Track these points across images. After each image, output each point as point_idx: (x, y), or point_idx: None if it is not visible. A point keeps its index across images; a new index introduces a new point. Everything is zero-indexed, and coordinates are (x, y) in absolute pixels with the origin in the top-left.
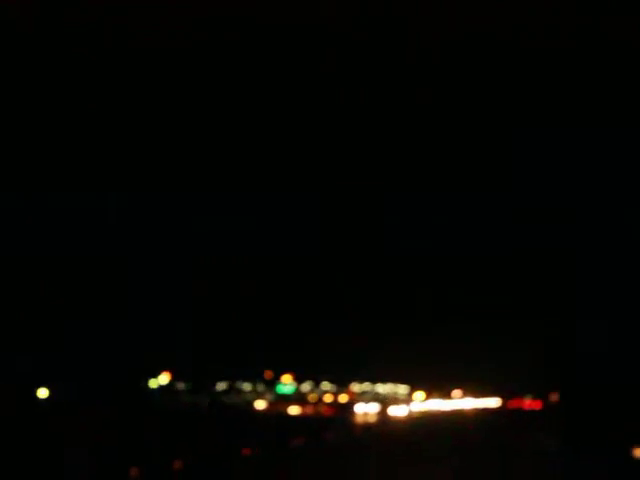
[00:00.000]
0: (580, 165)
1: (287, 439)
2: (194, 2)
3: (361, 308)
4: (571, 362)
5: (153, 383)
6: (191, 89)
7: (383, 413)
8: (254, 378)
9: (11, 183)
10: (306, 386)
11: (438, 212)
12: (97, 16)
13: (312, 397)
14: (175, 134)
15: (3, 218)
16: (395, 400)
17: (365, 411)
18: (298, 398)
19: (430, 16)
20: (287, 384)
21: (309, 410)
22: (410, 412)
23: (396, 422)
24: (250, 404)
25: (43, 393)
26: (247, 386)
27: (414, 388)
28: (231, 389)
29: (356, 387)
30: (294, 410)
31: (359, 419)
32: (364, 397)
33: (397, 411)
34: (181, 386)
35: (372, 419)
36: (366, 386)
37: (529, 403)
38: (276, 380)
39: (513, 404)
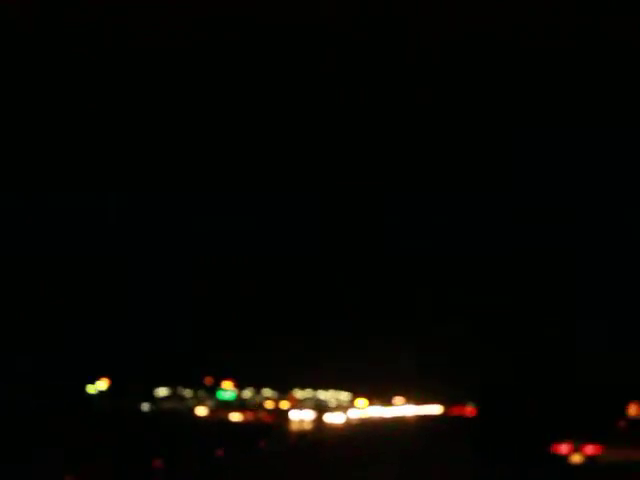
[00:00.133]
0: (580, 165)
1: (212, 450)
2: (194, 2)
3: (361, 308)
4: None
5: (91, 389)
6: (191, 89)
7: (319, 420)
8: (195, 384)
9: (11, 183)
10: (247, 393)
11: (438, 212)
12: (97, 16)
13: (253, 404)
14: (175, 134)
15: (3, 218)
16: (336, 407)
17: (301, 418)
18: (240, 405)
19: (430, 16)
20: (227, 390)
21: (250, 417)
22: (348, 419)
23: (333, 429)
24: (191, 410)
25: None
26: (188, 392)
27: (356, 395)
28: (174, 395)
29: (298, 394)
30: (236, 417)
31: (294, 426)
32: (305, 404)
33: (334, 418)
34: (130, 390)
35: (308, 426)
36: (308, 393)
37: (470, 410)
38: (216, 386)
39: (455, 411)
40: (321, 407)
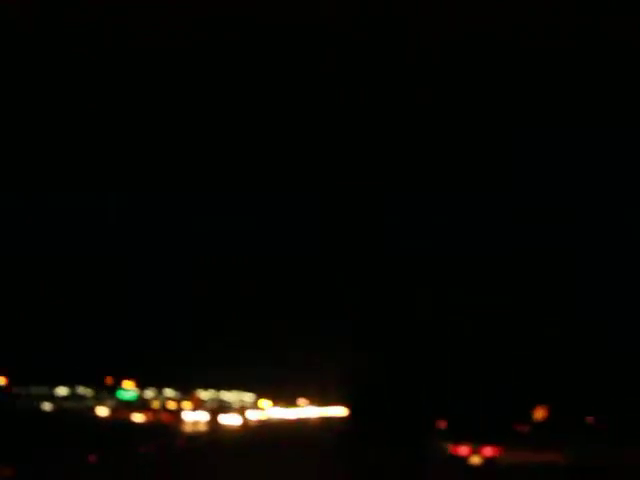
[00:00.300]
0: (580, 165)
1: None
2: (194, 2)
3: (361, 308)
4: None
5: None
6: (191, 89)
7: (214, 422)
8: (94, 384)
9: (11, 183)
10: (149, 393)
11: (438, 212)
12: (97, 16)
13: (154, 404)
14: (175, 134)
15: (3, 218)
16: (239, 408)
17: (195, 419)
18: (141, 405)
19: (430, 16)
20: (128, 390)
21: (151, 417)
22: (246, 421)
23: (230, 431)
24: (91, 410)
25: None
26: (88, 391)
27: (260, 396)
28: (73, 394)
29: (201, 394)
30: (138, 417)
31: (187, 428)
32: (208, 404)
33: (231, 420)
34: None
35: (202, 428)
36: (211, 393)
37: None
38: (117, 386)
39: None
40: (222, 408)
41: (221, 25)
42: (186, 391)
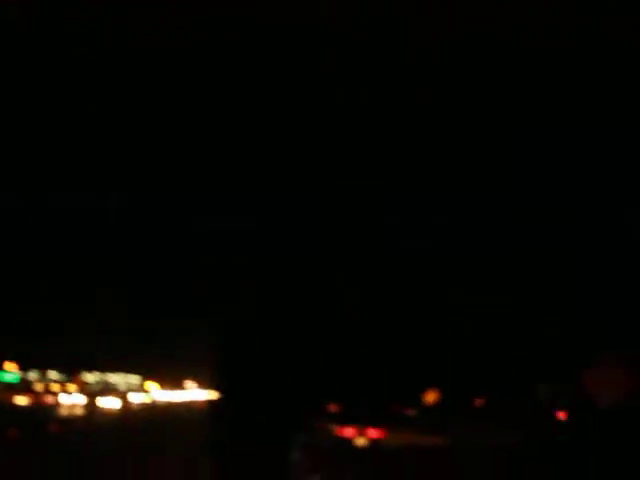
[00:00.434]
0: (580, 165)
1: None
2: (194, 2)
3: (361, 308)
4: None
5: None
6: (191, 89)
7: (93, 405)
8: None
9: (11, 183)
10: (32, 375)
11: (438, 212)
12: (97, 16)
13: (38, 386)
14: (175, 134)
15: (3, 218)
16: (124, 391)
17: (72, 402)
18: (24, 387)
19: (430, 16)
20: (10, 372)
21: (34, 400)
22: (129, 404)
23: (109, 415)
24: None
25: None
26: None
27: (146, 378)
28: None
29: (87, 377)
30: (21, 400)
31: (63, 411)
32: (93, 387)
33: (110, 403)
34: None
35: (78, 411)
36: (96, 376)
37: None
38: None
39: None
40: (103, 391)
41: (221, 25)
42: (71, 373)
